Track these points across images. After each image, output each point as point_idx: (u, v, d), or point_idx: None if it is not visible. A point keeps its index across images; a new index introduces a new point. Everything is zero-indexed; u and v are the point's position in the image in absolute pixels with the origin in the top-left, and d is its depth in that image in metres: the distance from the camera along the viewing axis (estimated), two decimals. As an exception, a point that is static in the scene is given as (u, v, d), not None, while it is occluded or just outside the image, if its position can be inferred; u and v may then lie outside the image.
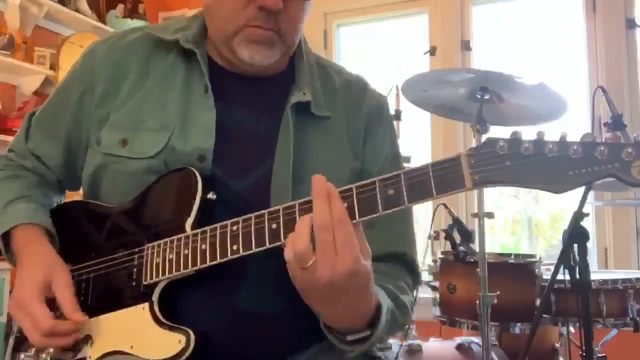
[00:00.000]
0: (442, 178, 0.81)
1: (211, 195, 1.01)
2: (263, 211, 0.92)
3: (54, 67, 3.50)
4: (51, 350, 1.05)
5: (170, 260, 0.98)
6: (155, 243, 1.01)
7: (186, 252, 0.97)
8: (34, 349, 1.08)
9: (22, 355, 1.09)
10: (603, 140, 0.76)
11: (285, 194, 1.03)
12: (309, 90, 1.12)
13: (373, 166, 1.15)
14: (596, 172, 0.75)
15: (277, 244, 0.90)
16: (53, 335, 0.98)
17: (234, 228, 0.93)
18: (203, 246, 0.95)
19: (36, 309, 0.98)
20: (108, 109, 1.11)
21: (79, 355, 1.04)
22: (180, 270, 0.97)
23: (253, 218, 0.92)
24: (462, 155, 0.81)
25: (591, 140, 0.76)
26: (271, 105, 1.11)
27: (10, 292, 1.19)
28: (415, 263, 1.17)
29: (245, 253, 0.92)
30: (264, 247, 0.90)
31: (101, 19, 3.92)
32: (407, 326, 1.13)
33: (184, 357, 0.93)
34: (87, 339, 1.04)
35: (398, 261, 1.13)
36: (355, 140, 1.15)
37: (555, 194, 0.78)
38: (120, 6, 4.02)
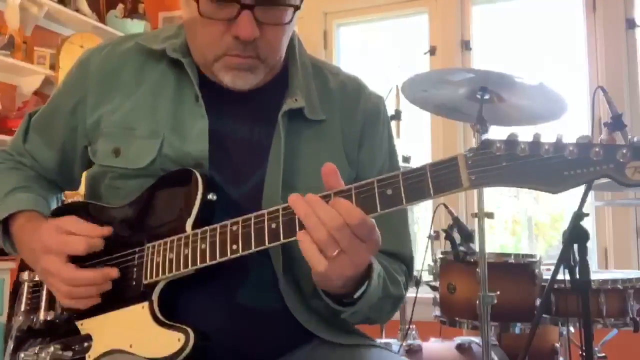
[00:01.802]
0: (440, 178, 0.82)
1: (211, 196, 1.02)
2: (263, 211, 0.93)
3: (54, 67, 3.50)
4: (51, 349, 1.05)
5: (170, 260, 0.99)
6: (156, 243, 1.02)
7: (186, 251, 0.97)
8: (34, 349, 1.08)
9: (22, 355, 1.09)
10: (599, 141, 0.76)
11: (275, 203, 1.03)
12: (301, 95, 1.11)
13: (369, 173, 1.14)
14: (591, 172, 0.76)
15: (277, 243, 0.91)
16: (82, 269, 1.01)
17: (234, 228, 0.94)
18: (203, 246, 0.96)
19: (70, 239, 1.02)
20: (99, 117, 1.12)
21: (79, 355, 1.05)
22: (180, 270, 0.98)
23: (253, 218, 0.93)
24: (460, 156, 0.82)
25: (586, 142, 0.76)
26: (264, 114, 1.10)
27: (11, 292, 1.19)
28: (411, 261, 1.19)
29: (244, 252, 0.93)
30: (264, 247, 0.91)
31: (101, 19, 3.92)
32: (400, 303, 1.13)
33: (183, 355, 0.94)
34: (88, 338, 1.05)
35: (395, 258, 1.15)
36: (350, 145, 1.15)
37: (551, 194, 0.79)
38: (120, 6, 4.02)
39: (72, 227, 1.03)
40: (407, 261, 1.17)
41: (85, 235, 1.03)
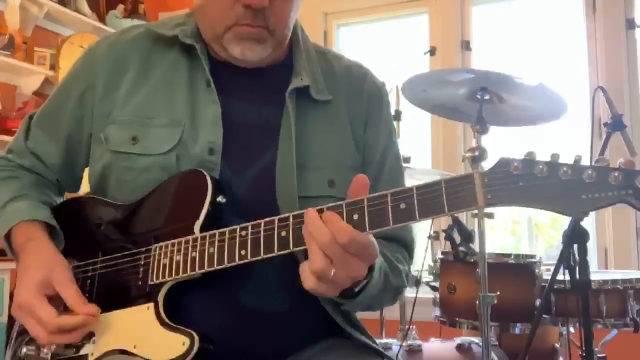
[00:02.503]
0: (455, 195, 0.81)
1: (220, 199, 1.02)
2: (273, 218, 0.92)
3: (54, 67, 3.50)
4: (52, 346, 1.05)
5: (178, 262, 0.98)
6: (163, 244, 1.01)
7: (194, 254, 0.97)
8: (36, 346, 1.08)
9: (25, 349, 1.09)
10: (618, 165, 0.75)
11: (290, 181, 1.04)
12: (307, 75, 1.13)
13: (373, 154, 1.16)
14: (609, 197, 0.75)
15: (286, 251, 0.90)
16: (60, 332, 0.97)
17: (243, 233, 0.93)
18: (211, 249, 0.96)
19: (39, 308, 0.97)
20: (110, 106, 1.11)
21: (81, 352, 1.04)
22: (187, 273, 0.97)
23: (262, 225, 0.92)
24: (476, 174, 0.81)
25: (605, 165, 0.76)
26: (272, 95, 1.12)
27: (11, 293, 1.20)
28: (412, 245, 1.19)
29: (253, 259, 0.92)
30: (272, 254, 0.91)
31: (101, 19, 3.92)
32: (402, 292, 1.15)
33: (188, 359, 0.93)
34: (90, 336, 1.04)
35: (396, 242, 1.15)
36: (357, 124, 1.16)
37: (567, 216, 0.79)
38: (120, 6, 4.02)
39: (64, 292, 0.98)
40: (407, 245, 1.17)
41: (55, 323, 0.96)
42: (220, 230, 0.96)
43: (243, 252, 0.93)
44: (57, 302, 1.00)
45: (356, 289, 0.95)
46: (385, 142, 1.20)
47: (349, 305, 1.00)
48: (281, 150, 1.07)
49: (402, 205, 0.83)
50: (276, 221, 0.91)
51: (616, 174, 0.75)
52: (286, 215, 0.91)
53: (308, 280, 0.86)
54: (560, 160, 0.77)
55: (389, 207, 0.84)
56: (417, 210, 0.83)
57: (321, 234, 0.84)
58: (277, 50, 1.13)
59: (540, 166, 0.77)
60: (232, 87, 1.12)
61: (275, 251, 0.90)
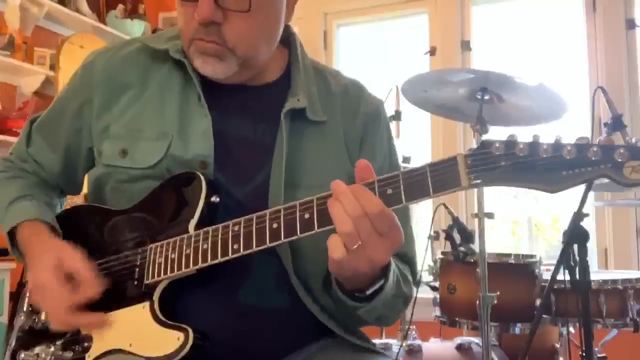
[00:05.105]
0: (439, 177, 0.83)
1: (214, 199, 1.03)
2: (265, 211, 0.93)
3: (54, 67, 3.50)
4: (51, 349, 1.06)
5: (172, 260, 0.99)
6: (158, 243, 1.02)
7: (188, 251, 0.98)
8: (34, 349, 1.08)
9: (23, 355, 1.09)
10: (598, 141, 0.77)
11: (279, 203, 1.04)
12: (303, 95, 1.12)
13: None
14: (589, 172, 0.77)
15: (278, 242, 0.91)
16: (75, 312, 1.00)
17: (236, 228, 0.95)
18: (205, 246, 0.97)
19: (55, 286, 1.00)
20: (108, 121, 1.12)
21: (79, 356, 1.05)
22: (181, 270, 0.98)
23: (255, 218, 0.94)
24: (459, 156, 0.83)
25: (585, 142, 0.77)
26: (267, 113, 1.11)
27: (11, 293, 1.20)
28: (414, 262, 1.19)
29: (246, 252, 0.93)
30: (265, 246, 0.92)
31: (101, 19, 3.92)
32: (408, 303, 1.15)
33: (182, 353, 0.94)
34: (88, 338, 1.05)
35: (398, 258, 1.15)
36: (352, 145, 1.16)
37: (549, 193, 0.79)
38: (120, 6, 4.02)
39: (73, 267, 1.02)
40: (410, 262, 1.18)
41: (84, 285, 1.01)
42: (214, 226, 0.97)
43: (236, 246, 0.94)
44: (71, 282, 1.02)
45: (368, 292, 0.95)
46: (382, 159, 1.19)
47: (364, 310, 0.99)
48: (274, 171, 1.07)
49: (389, 191, 0.85)
50: (268, 214, 0.92)
51: (595, 149, 0.76)
52: (278, 207, 0.92)
53: (336, 248, 0.86)
54: (541, 140, 0.79)
55: (377, 193, 0.86)
56: (403, 195, 0.85)
57: (352, 206, 0.84)
58: (249, 69, 1.10)
59: (521, 146, 0.79)
60: (226, 102, 1.11)
61: (268, 243, 0.91)
